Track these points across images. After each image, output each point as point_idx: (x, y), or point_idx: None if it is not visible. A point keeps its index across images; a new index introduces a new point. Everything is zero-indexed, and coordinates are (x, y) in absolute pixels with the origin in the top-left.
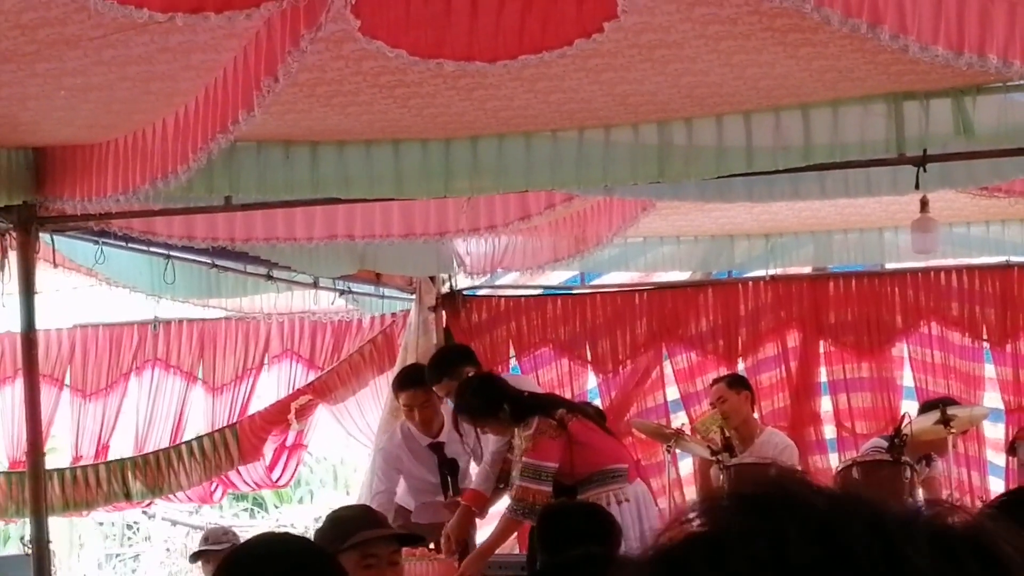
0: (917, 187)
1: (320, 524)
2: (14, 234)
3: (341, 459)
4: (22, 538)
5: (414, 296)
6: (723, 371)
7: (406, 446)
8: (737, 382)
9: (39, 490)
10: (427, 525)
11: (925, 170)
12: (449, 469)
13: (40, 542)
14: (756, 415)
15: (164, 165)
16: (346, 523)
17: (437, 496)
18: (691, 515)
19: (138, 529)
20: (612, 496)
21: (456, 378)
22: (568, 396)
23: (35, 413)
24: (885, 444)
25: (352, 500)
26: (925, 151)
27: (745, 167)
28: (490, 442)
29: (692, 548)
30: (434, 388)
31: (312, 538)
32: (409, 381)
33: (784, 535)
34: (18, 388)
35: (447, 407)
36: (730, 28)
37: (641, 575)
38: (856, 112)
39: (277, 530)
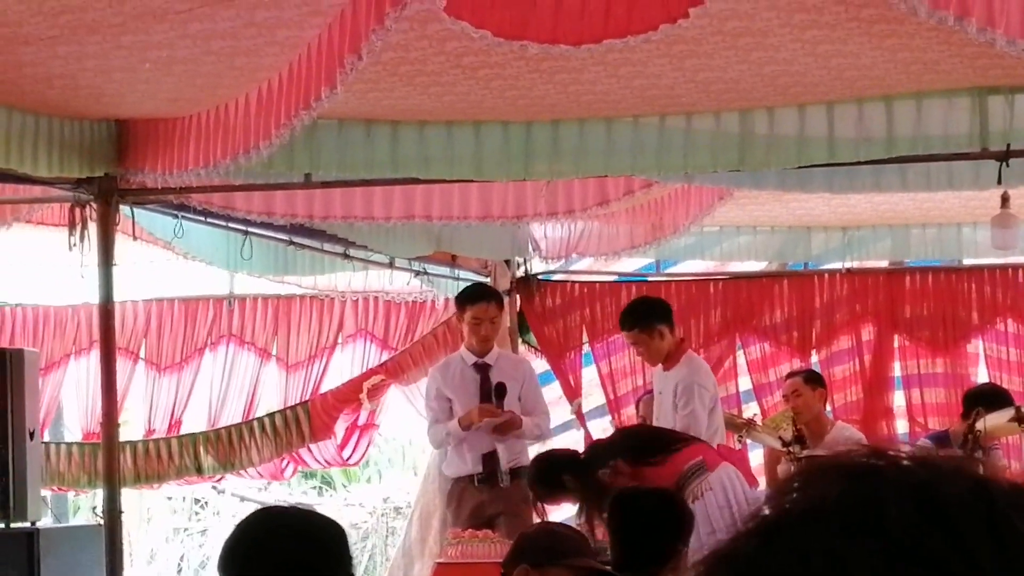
0: (999, 182)
1: (532, 532)
2: (94, 206)
3: (410, 440)
4: (94, 508)
5: (488, 279)
6: (797, 363)
7: (448, 369)
8: (813, 378)
9: (113, 461)
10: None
11: (1008, 165)
12: (497, 392)
13: (112, 513)
14: (828, 410)
15: (246, 140)
16: (566, 541)
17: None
18: (788, 488)
19: (205, 504)
20: (690, 494)
21: (646, 331)
22: (639, 384)
23: (111, 384)
24: (930, 444)
25: (419, 481)
26: (1008, 146)
27: (827, 157)
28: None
29: (789, 516)
30: (623, 332)
31: (521, 541)
32: (480, 294)
33: (881, 499)
34: (93, 360)
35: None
36: (816, 17)
37: (744, 544)
38: (940, 105)
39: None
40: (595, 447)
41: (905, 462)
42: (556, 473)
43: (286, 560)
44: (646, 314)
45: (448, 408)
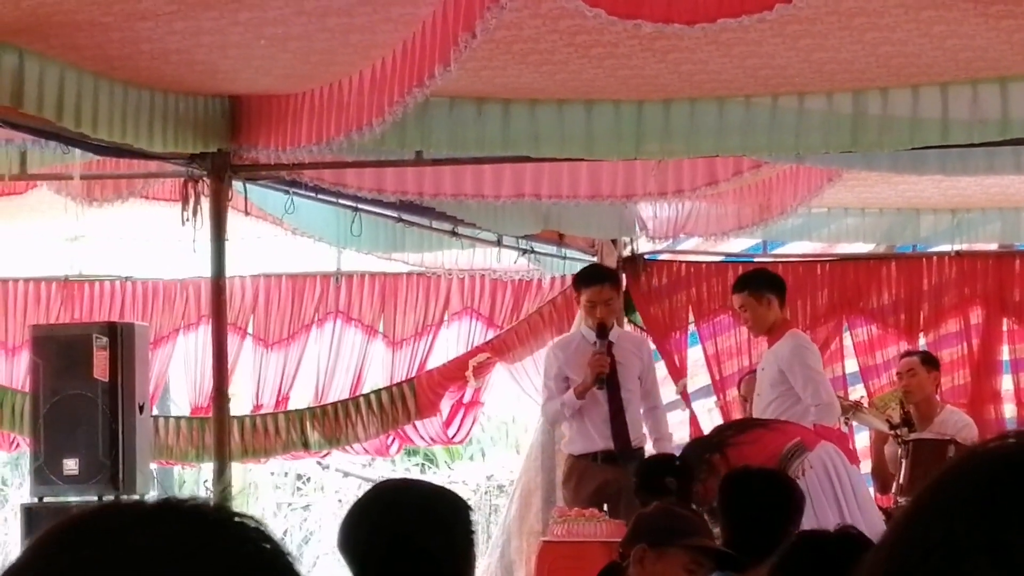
0: None
1: (650, 512)
2: (207, 181)
3: (512, 418)
4: (205, 482)
5: (595, 258)
6: (904, 346)
7: (569, 347)
8: (929, 360)
9: (223, 435)
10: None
11: None
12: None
13: (223, 487)
14: (937, 396)
15: (359, 117)
16: (684, 521)
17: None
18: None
19: (308, 480)
20: (791, 475)
21: (755, 294)
22: (745, 365)
23: (222, 359)
24: None
25: (521, 459)
26: None
27: (940, 139)
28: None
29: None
30: (734, 295)
31: (639, 521)
32: (595, 276)
33: None
34: (201, 335)
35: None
36: None
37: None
38: None
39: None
40: (692, 445)
41: None
42: (658, 477)
43: (405, 533)
44: (759, 280)
45: (566, 388)
